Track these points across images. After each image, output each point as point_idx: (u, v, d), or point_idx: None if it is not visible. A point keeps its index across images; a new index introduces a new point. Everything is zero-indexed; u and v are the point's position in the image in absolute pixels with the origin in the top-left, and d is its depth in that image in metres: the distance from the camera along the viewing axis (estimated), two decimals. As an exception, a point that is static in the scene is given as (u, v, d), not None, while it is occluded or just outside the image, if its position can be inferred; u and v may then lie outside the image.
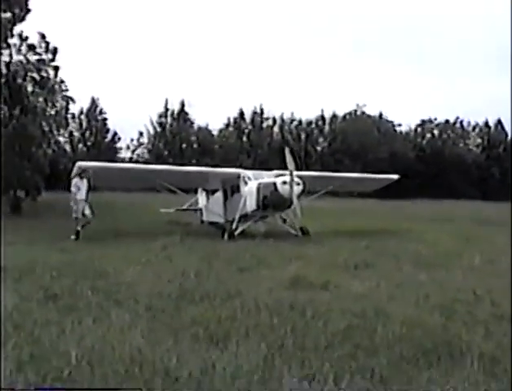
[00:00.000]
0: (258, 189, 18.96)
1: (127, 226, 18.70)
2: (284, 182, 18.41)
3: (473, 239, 19.67)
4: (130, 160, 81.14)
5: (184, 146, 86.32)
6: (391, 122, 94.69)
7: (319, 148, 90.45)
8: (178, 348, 6.00)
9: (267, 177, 19.84)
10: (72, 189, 18.47)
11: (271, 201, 18.74)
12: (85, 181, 18.68)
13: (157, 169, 21.95)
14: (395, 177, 24.99)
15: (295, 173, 18.37)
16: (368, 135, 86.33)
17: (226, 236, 18.89)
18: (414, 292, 9.57)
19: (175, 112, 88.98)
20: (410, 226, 24.56)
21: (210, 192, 23.01)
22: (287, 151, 18.57)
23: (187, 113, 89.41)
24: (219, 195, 21.74)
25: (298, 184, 18.44)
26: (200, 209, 23.47)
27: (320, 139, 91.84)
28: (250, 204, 19.26)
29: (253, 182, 19.58)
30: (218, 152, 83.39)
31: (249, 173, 20.72)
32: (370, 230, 21.93)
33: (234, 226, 19.42)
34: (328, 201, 34.55)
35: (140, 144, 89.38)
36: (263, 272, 11.38)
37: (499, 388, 5.29)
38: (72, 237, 17.82)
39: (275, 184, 18.59)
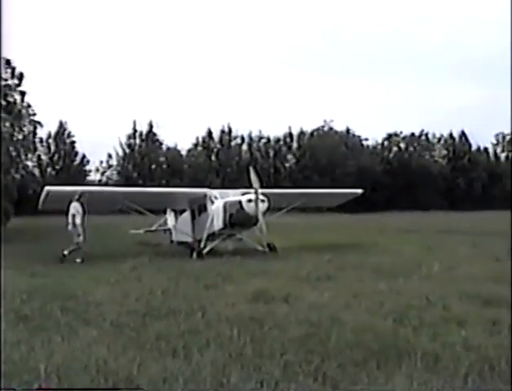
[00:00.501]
0: (225, 207, 19.32)
1: (96, 248, 18.63)
2: (250, 200, 18.83)
3: (435, 249, 20.42)
4: (100, 183, 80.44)
5: (153, 167, 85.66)
6: (358, 137, 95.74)
7: (287, 165, 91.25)
8: (141, 359, 6.37)
9: (233, 195, 20.23)
10: (73, 213, 19.00)
11: (237, 219, 19.12)
12: (80, 205, 19.06)
13: (126, 191, 22.31)
14: (359, 191, 25.56)
15: (260, 190, 18.85)
16: (335, 150, 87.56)
17: (194, 255, 19.29)
18: (370, 300, 10.05)
19: (144, 134, 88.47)
20: (376, 239, 25.16)
21: (179, 212, 23.42)
22: (251, 169, 18.99)
23: (155, 134, 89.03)
24: (187, 214, 22.18)
25: (263, 201, 18.88)
26: (169, 229, 23.75)
27: (289, 156, 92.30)
28: (217, 223, 19.65)
29: (219, 201, 19.92)
30: (187, 172, 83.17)
31: (216, 192, 21.23)
32: (336, 244, 22.54)
33: (202, 245, 19.83)
34: (297, 217, 35.17)
35: (109, 166, 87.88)
36: (228, 288, 11.73)
37: (455, 385, 5.81)
38: (78, 260, 18.56)
39: (240, 202, 18.96)
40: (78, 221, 18.80)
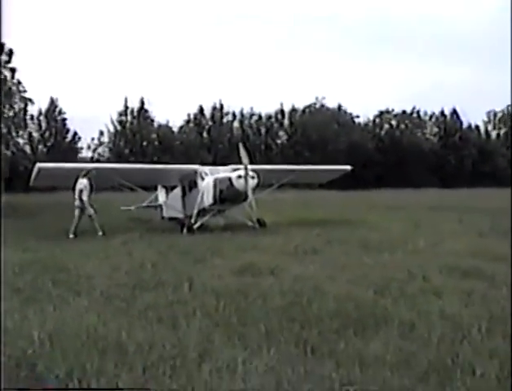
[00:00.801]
0: (215, 184, 19.73)
1: (88, 224, 19.36)
2: (239, 176, 19.18)
3: (423, 225, 20.69)
4: (92, 160, 79.89)
5: (145, 143, 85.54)
6: (350, 114, 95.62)
7: (279, 142, 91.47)
8: (129, 326, 6.70)
9: (224, 172, 20.57)
10: (81, 188, 19.63)
11: (227, 195, 19.53)
12: (88, 181, 19.63)
13: (117, 168, 22.44)
14: (348, 168, 25.91)
15: (250, 167, 19.21)
16: (327, 127, 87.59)
17: (185, 231, 19.61)
18: (354, 272, 10.40)
19: (135, 110, 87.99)
20: (364, 216, 25.46)
21: (170, 189, 23.84)
22: (241, 146, 19.41)
23: (147, 111, 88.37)
24: (178, 191, 22.56)
25: (253, 178, 19.25)
26: (160, 206, 24.06)
27: (280, 133, 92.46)
28: (207, 199, 20.09)
29: (209, 177, 20.31)
30: (178, 149, 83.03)
31: (206, 168, 21.53)
32: (325, 220, 23.03)
33: (193, 221, 20.26)
34: (287, 193, 35.45)
35: (101, 143, 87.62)
36: (216, 261, 12.01)
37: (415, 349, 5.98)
38: (100, 233, 19.19)
39: (230, 179, 19.33)
40: (85, 197, 19.48)
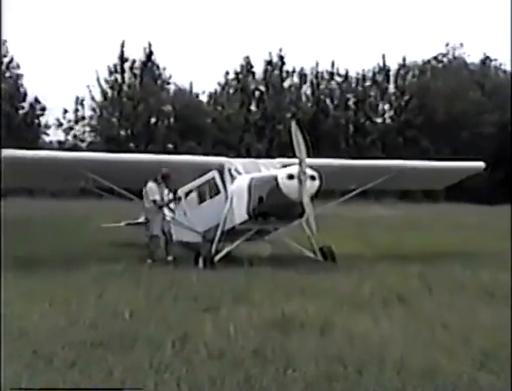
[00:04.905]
0: (250, 187, 15.19)
1: (46, 248, 16.42)
2: (291, 176, 14.44)
3: None
4: (60, 146, 58.55)
5: (153, 120, 60.90)
6: (504, 71, 68.12)
7: (378, 120, 65.51)
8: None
9: (266, 168, 16.08)
10: None
11: (270, 206, 14.87)
12: None
13: (93, 159, 16.73)
14: (481, 165, 19.96)
15: (309, 161, 14.75)
16: (463, 96, 61.34)
17: (201, 262, 15.14)
18: (460, 339, 7.58)
19: (137, 64, 62.21)
20: (501, 245, 19.73)
21: (183, 196, 18.35)
22: (294, 125, 14.67)
23: (157, 66, 62.59)
24: (192, 199, 17.45)
25: (313, 178, 14.58)
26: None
27: (381, 105, 65.39)
28: (239, 212, 15.51)
29: (243, 177, 15.93)
30: (208, 130, 58.86)
31: (238, 162, 16.78)
32: (435, 252, 18.15)
33: (214, 248, 15.75)
34: (376, 206, 30.35)
35: (80, 119, 62.03)
36: (239, 311, 9.51)
37: None
38: None
39: (275, 179, 14.67)
40: None
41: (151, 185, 15.71)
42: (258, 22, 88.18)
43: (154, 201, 15.43)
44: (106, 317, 9.14)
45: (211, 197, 16.54)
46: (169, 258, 16.15)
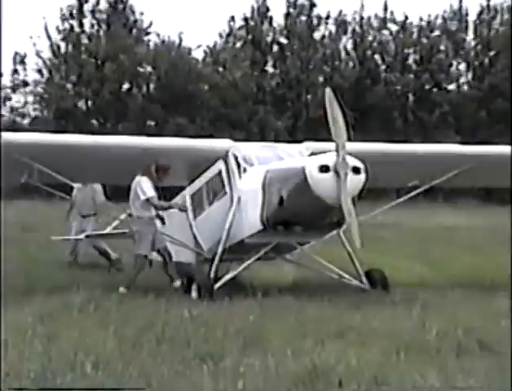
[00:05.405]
0: (265, 184, 12.36)
1: None
2: (325, 168, 11.49)
3: None
4: None
5: (126, 86, 50.84)
6: None
7: (451, 87, 52.18)
8: None
9: (289, 156, 13.42)
10: None
11: (294, 211, 12.17)
12: None
13: (39, 144, 13.02)
14: None
15: (349, 146, 11.98)
16: None
17: (194, 291, 12.71)
18: None
19: (102, 7, 51.02)
20: None
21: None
22: (329, 95, 11.48)
23: (131, 9, 51.06)
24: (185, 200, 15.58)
25: (357, 171, 11.65)
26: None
27: (455, 65, 51.43)
28: (249, 220, 12.75)
29: (255, 168, 13.19)
30: (205, 102, 48.90)
31: (247, 147, 14.10)
32: None
33: (213, 270, 13.29)
34: (450, 213, 28.39)
35: (20, 85, 51.41)
36: (250, 362, 7.58)
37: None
38: None
39: (303, 172, 11.81)
40: None
41: (143, 178, 12.06)
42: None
43: (147, 200, 11.93)
44: (58, 369, 7.11)
45: (214, 201, 13.40)
46: (177, 284, 12.92)
